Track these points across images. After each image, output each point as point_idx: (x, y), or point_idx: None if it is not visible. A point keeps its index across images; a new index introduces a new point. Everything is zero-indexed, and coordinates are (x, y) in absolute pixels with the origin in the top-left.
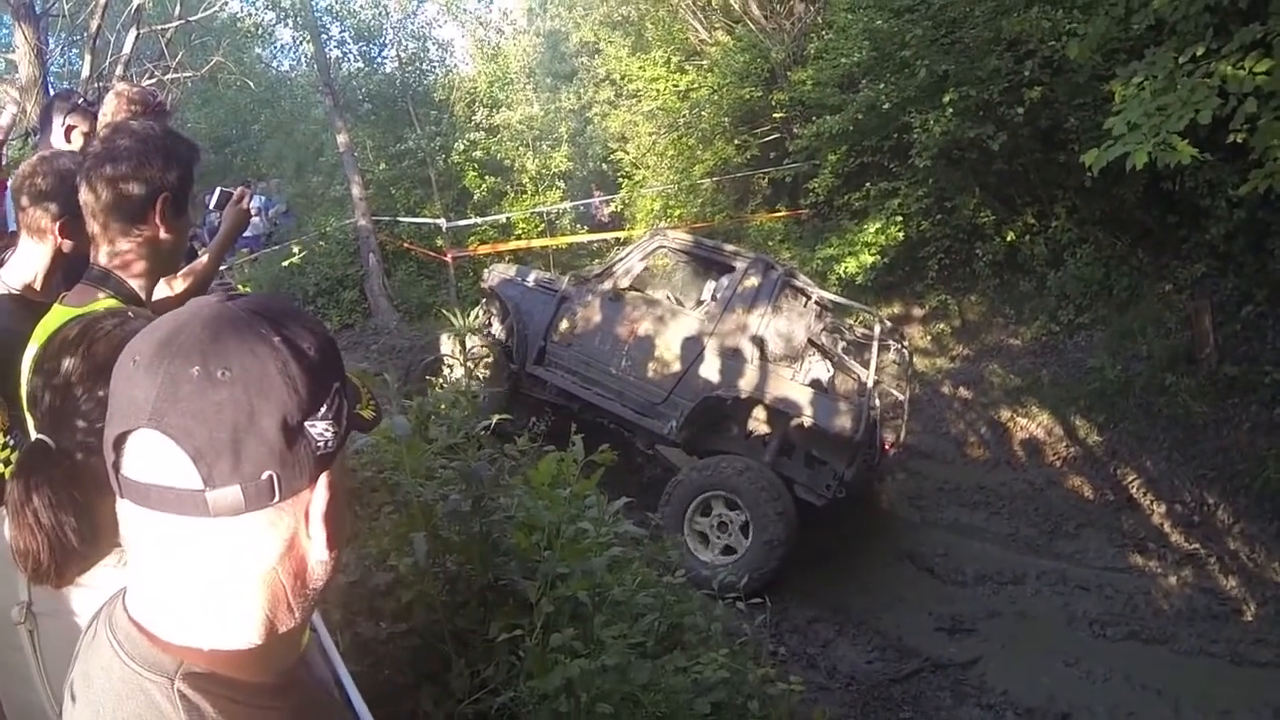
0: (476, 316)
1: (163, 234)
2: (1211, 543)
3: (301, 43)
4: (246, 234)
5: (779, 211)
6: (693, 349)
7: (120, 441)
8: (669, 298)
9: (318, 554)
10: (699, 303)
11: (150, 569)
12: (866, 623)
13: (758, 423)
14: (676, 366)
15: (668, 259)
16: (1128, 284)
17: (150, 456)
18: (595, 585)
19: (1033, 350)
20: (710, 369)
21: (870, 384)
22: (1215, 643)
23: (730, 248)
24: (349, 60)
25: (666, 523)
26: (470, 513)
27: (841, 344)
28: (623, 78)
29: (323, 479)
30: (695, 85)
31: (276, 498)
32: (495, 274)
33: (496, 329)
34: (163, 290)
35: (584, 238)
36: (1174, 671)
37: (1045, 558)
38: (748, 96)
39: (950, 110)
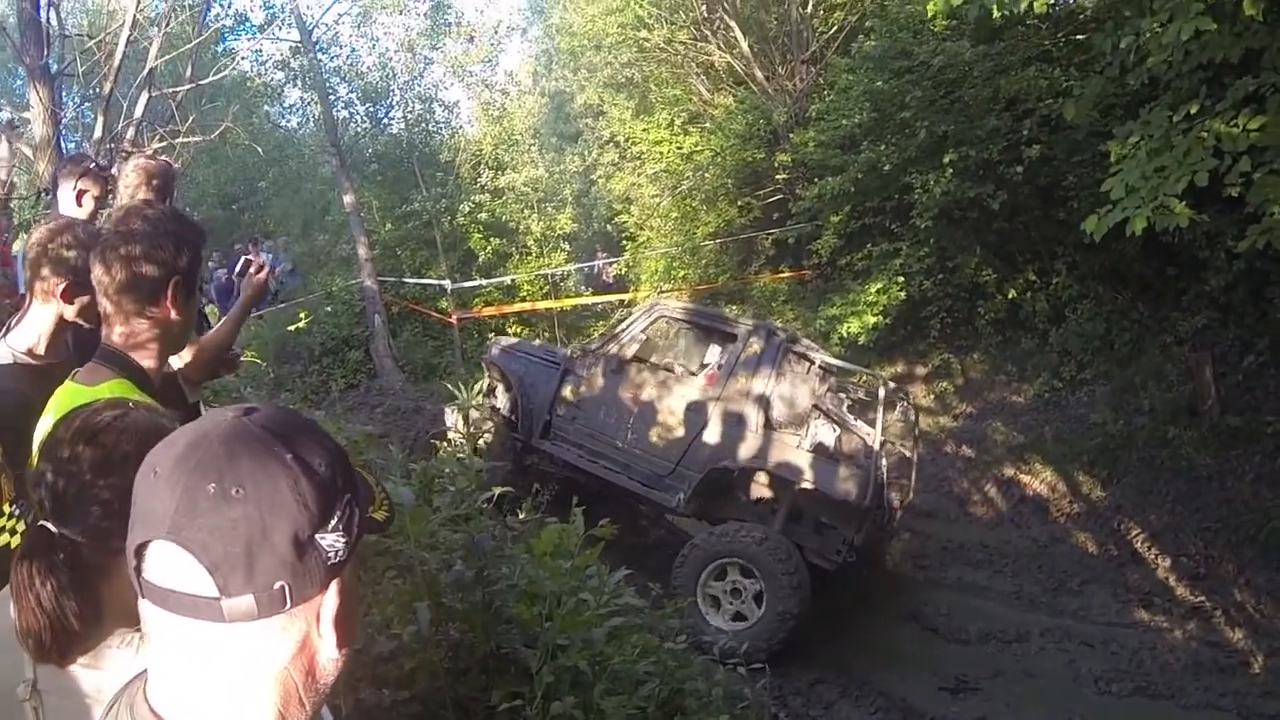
0: (480, 390)
1: (174, 316)
2: (1217, 595)
3: (310, 103)
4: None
5: (782, 272)
6: (697, 419)
7: (142, 548)
8: (672, 367)
9: (328, 653)
10: (702, 371)
11: (170, 666)
12: (870, 683)
13: (765, 490)
14: (682, 437)
15: (669, 327)
16: (1129, 338)
17: (170, 565)
18: (595, 655)
19: (1035, 407)
20: (716, 439)
21: (876, 446)
22: (1223, 696)
23: (731, 315)
24: (356, 121)
25: (680, 585)
26: (473, 582)
27: (845, 406)
28: (627, 139)
29: (334, 584)
30: (698, 147)
31: (288, 605)
32: (497, 346)
33: (500, 400)
34: (177, 361)
35: (589, 300)
36: None
37: (1049, 615)
38: (750, 158)
39: (950, 170)
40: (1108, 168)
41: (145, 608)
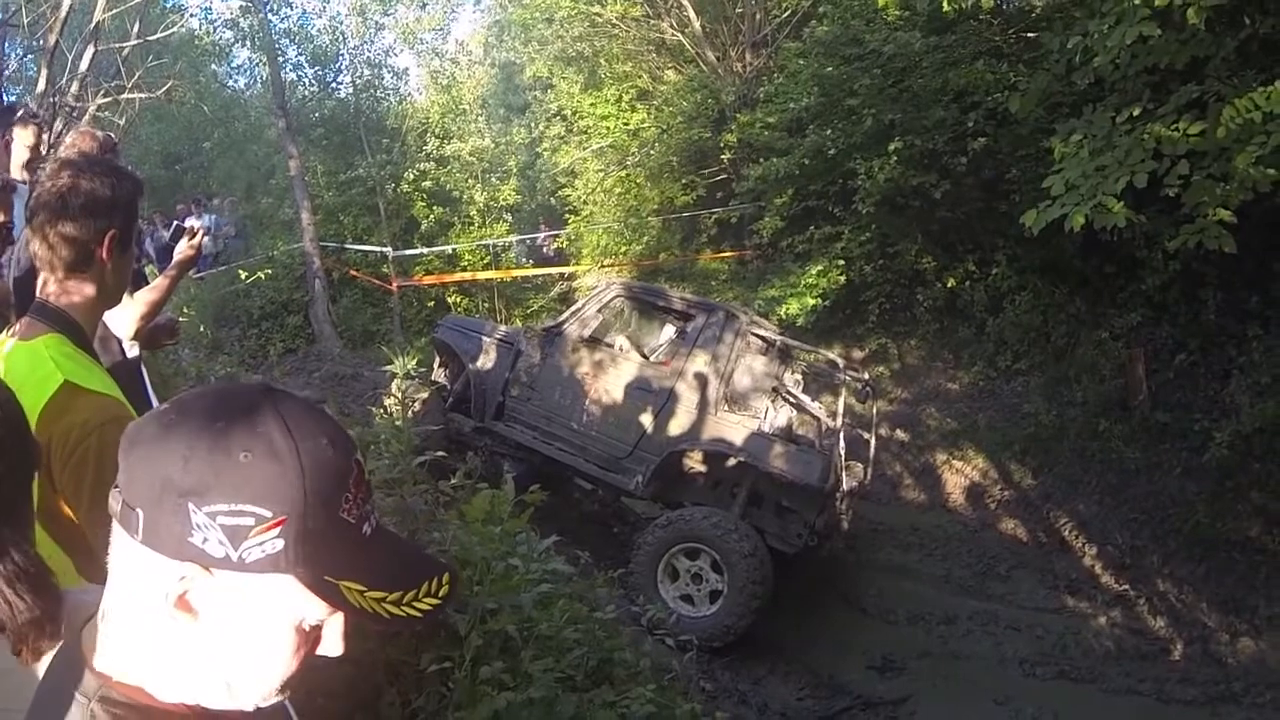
0: (416, 362)
1: (109, 269)
2: (1141, 584)
3: (258, 64)
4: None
5: (724, 252)
6: (655, 401)
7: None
8: (628, 349)
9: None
10: (659, 353)
11: (162, 631)
12: (799, 660)
13: (725, 473)
14: (639, 420)
15: (625, 307)
16: (1065, 331)
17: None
18: (524, 620)
19: (970, 395)
20: (674, 421)
21: (838, 428)
22: (1143, 681)
23: (689, 296)
24: (304, 84)
25: (639, 569)
26: None
27: (803, 389)
28: (574, 113)
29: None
30: (645, 124)
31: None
32: (447, 324)
33: (438, 375)
34: (112, 317)
35: (529, 272)
36: (1102, 710)
37: (977, 599)
38: (697, 137)
39: (895, 158)
40: (1050, 163)
41: (146, 556)
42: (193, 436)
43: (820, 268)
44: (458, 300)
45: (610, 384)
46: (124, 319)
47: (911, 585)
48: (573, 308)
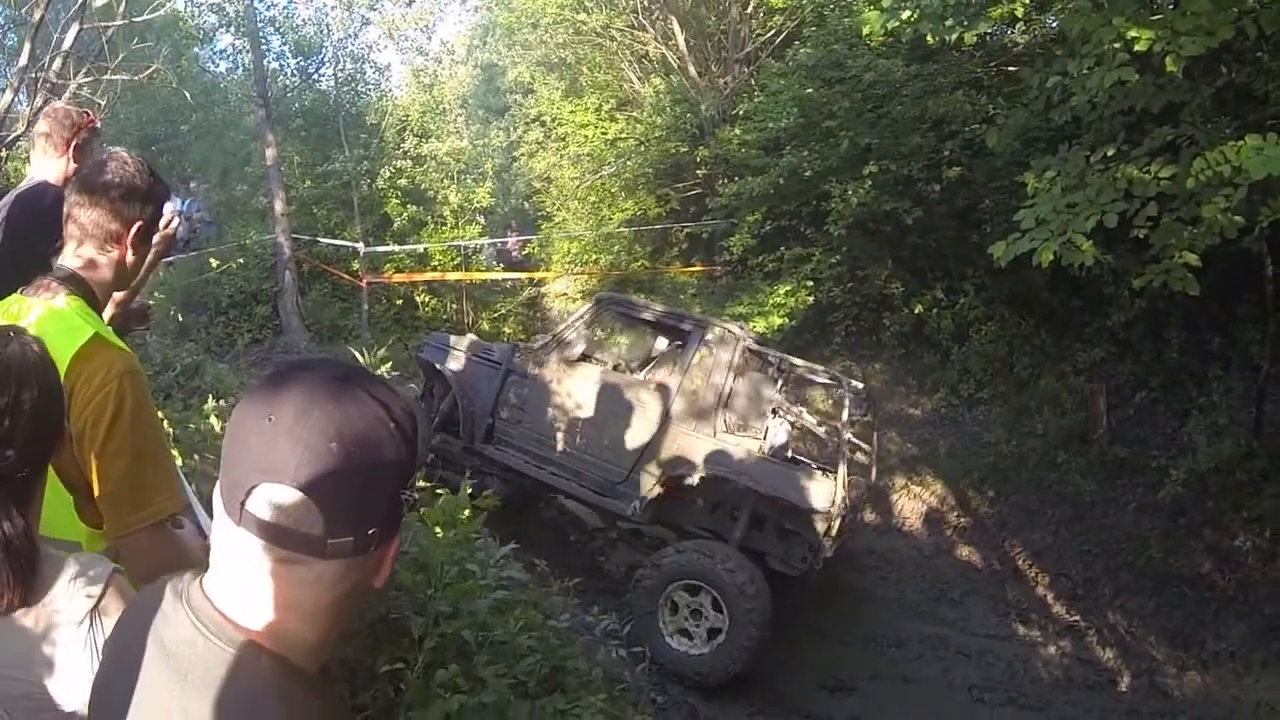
0: (381, 359)
1: (129, 257)
2: (1092, 616)
3: (241, 51)
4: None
5: (694, 266)
6: (650, 422)
7: (254, 487)
8: (622, 367)
9: (377, 584)
10: (653, 372)
11: (249, 581)
12: (749, 678)
13: (725, 496)
14: (634, 442)
15: (618, 324)
16: (1029, 363)
17: (287, 505)
18: (479, 625)
19: (931, 421)
20: (670, 443)
21: (842, 448)
22: (1090, 712)
23: (683, 312)
24: (286, 73)
25: (637, 606)
26: None
27: (803, 406)
28: (553, 120)
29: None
30: (623, 134)
31: (374, 548)
32: (431, 343)
33: (413, 387)
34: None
35: (498, 275)
36: None
37: (929, 623)
38: (674, 150)
39: (870, 182)
40: (1024, 197)
41: (233, 533)
42: (389, 442)
43: (789, 287)
44: (426, 300)
45: (604, 404)
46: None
47: (865, 607)
48: (562, 324)
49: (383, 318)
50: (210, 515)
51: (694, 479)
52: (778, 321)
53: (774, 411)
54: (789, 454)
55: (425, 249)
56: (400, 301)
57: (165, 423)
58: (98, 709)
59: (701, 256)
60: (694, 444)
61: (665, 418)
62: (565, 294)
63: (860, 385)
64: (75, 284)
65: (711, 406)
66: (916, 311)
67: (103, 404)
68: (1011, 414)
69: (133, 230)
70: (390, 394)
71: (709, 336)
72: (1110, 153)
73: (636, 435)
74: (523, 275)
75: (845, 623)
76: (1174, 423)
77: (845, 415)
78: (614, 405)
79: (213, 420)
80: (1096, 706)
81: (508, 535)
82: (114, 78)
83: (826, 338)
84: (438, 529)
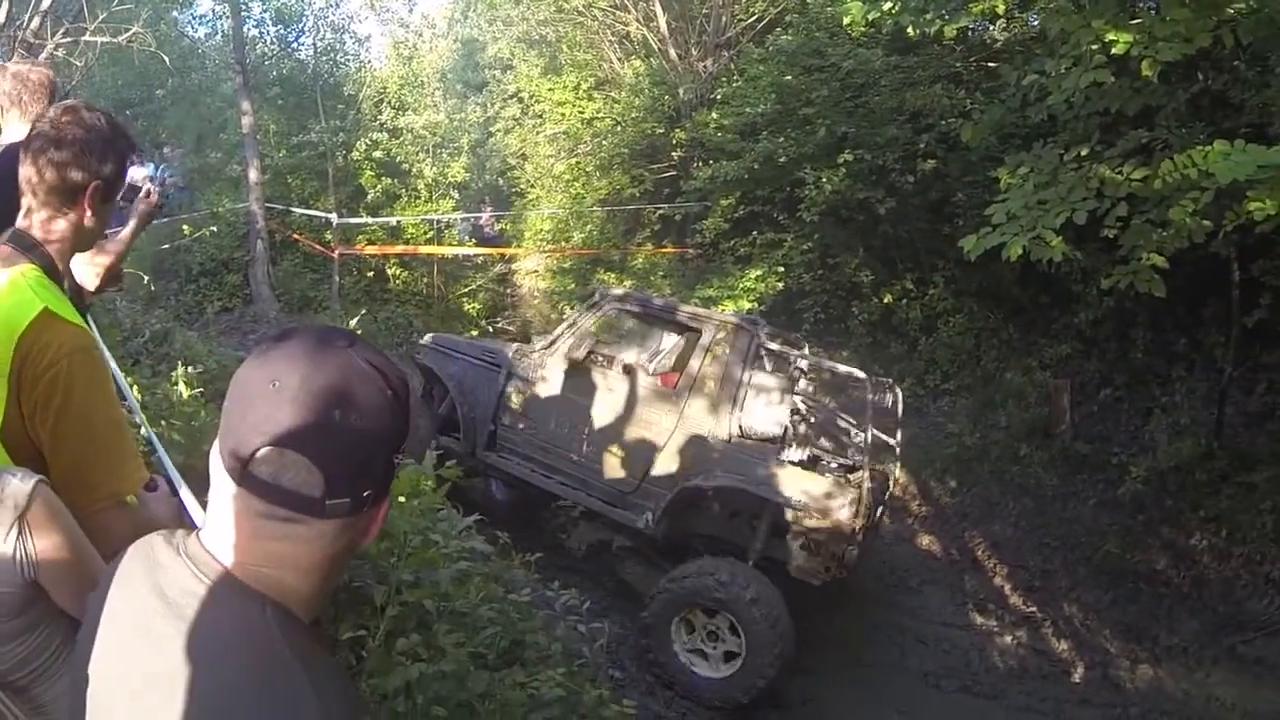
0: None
1: (88, 218)
2: (1048, 607)
3: (221, 16)
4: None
5: (666, 247)
6: (662, 428)
7: (258, 449)
8: (631, 369)
9: (367, 541)
10: (665, 373)
11: (250, 539)
12: None
13: (743, 504)
14: (645, 449)
15: (624, 322)
16: (995, 356)
17: (289, 467)
18: (440, 595)
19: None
20: (683, 451)
21: (866, 455)
22: (1044, 701)
23: (695, 308)
24: (265, 41)
25: (651, 627)
26: None
27: (824, 405)
28: (531, 97)
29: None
30: (600, 114)
31: (368, 508)
32: (429, 343)
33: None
34: (79, 264)
35: (470, 250)
36: None
37: (886, 609)
38: (650, 131)
39: (844, 170)
40: (997, 192)
41: (232, 492)
42: (388, 412)
43: (759, 272)
44: (397, 273)
45: (611, 409)
46: (91, 270)
47: (823, 591)
48: (565, 323)
49: (353, 289)
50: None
51: (709, 487)
52: (747, 306)
53: (793, 411)
54: (810, 456)
55: (398, 222)
56: (371, 274)
57: (134, 389)
58: (94, 662)
59: (674, 238)
60: (709, 449)
61: (677, 421)
62: (536, 271)
63: (887, 381)
64: (32, 250)
65: (727, 408)
66: (886, 301)
67: (52, 383)
68: (976, 406)
69: (89, 189)
70: (386, 362)
71: (722, 333)
72: (1084, 152)
73: (647, 441)
74: (494, 251)
75: (803, 606)
76: (1136, 421)
77: (870, 413)
78: (622, 409)
79: (181, 387)
80: (1050, 696)
81: (470, 510)
82: (92, 39)
83: (795, 324)
84: (401, 498)
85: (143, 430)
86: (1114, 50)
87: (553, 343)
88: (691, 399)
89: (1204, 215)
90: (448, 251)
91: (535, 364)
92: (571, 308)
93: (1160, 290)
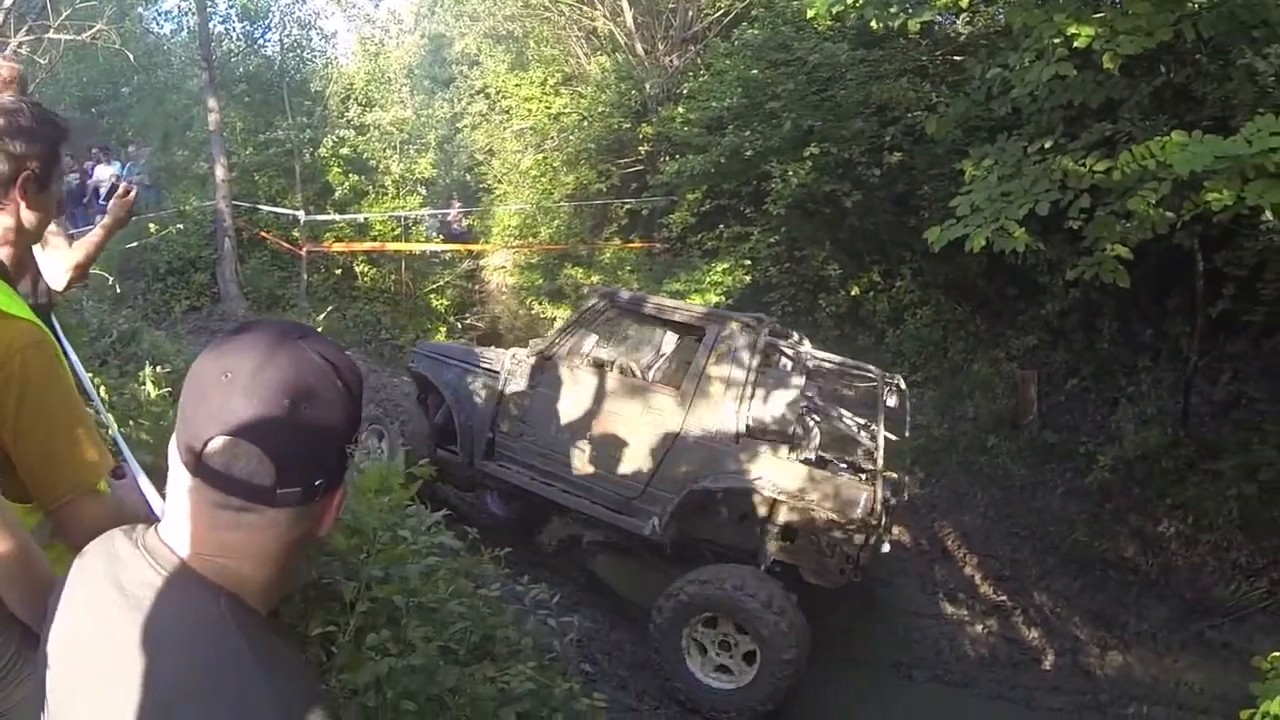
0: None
1: (24, 210)
2: (1018, 596)
3: (187, 12)
4: (102, 200)
5: (633, 242)
6: (667, 431)
7: (211, 438)
8: (632, 370)
9: (322, 532)
10: (667, 375)
11: (205, 530)
12: None
13: (753, 507)
14: (650, 453)
15: (624, 322)
16: (962, 348)
17: (240, 456)
18: (409, 591)
19: (864, 402)
20: (690, 454)
21: (879, 453)
22: (1014, 689)
23: (696, 307)
24: (231, 37)
25: (660, 639)
26: None
27: (833, 402)
28: (498, 92)
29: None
30: (567, 109)
31: (319, 497)
32: (423, 351)
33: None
34: (45, 261)
35: (438, 246)
36: (973, 714)
37: (856, 599)
38: (617, 126)
39: (810, 163)
40: (962, 184)
41: (187, 482)
42: (340, 403)
43: (726, 266)
44: (365, 270)
45: (614, 413)
46: (60, 266)
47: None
48: (560, 325)
49: (321, 287)
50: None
51: (719, 489)
52: (714, 299)
53: (802, 411)
54: (819, 456)
55: (366, 219)
56: (339, 271)
57: (101, 389)
58: (54, 657)
59: (641, 233)
60: (715, 451)
61: (681, 425)
62: (504, 267)
63: (897, 378)
64: None
65: (732, 409)
66: (853, 294)
67: (5, 382)
68: (944, 397)
69: (20, 181)
70: (338, 353)
71: (726, 331)
72: (1048, 145)
73: (651, 445)
74: (461, 248)
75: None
76: (1103, 411)
77: (881, 412)
78: (624, 412)
79: (148, 387)
80: (1021, 684)
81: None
82: (56, 36)
83: None
84: (369, 494)
85: (110, 431)
86: (1076, 44)
87: (551, 346)
88: (697, 399)
89: (1165, 206)
90: (415, 248)
91: (533, 368)
92: (539, 303)
93: (1125, 281)
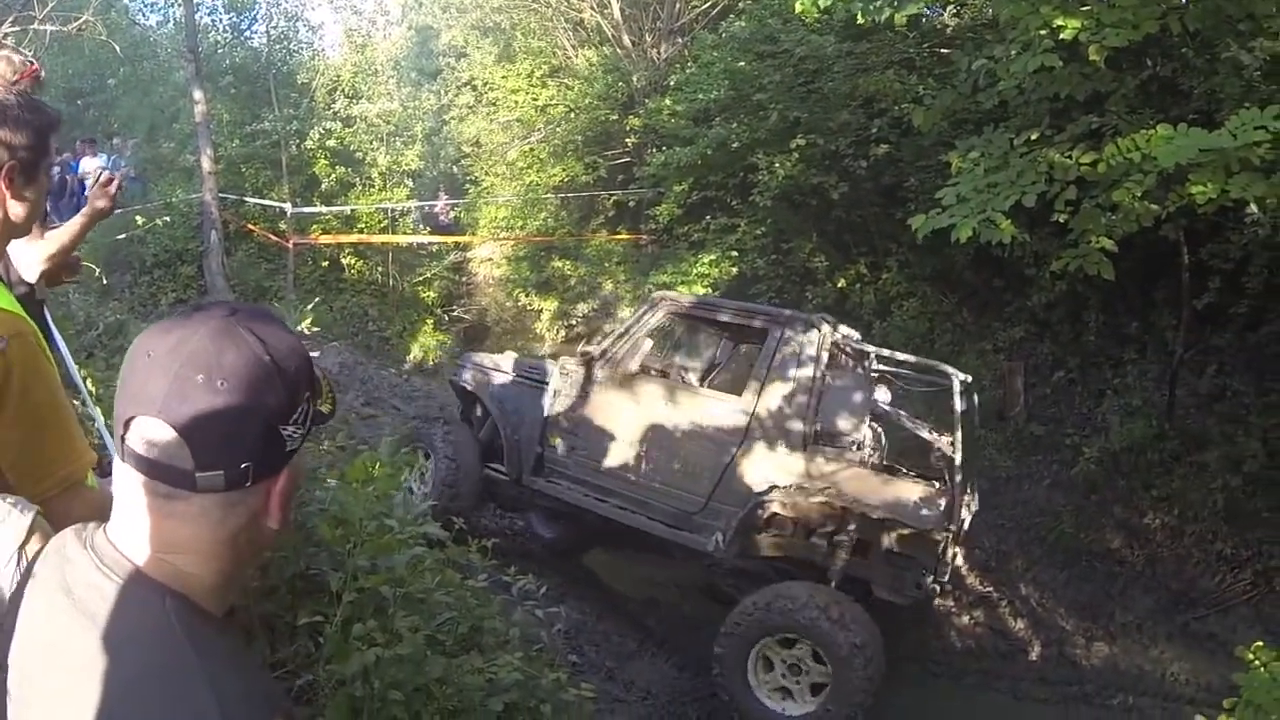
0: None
1: (10, 201)
2: (1004, 588)
3: (173, 4)
4: (87, 193)
5: (620, 234)
6: (729, 440)
7: (130, 420)
8: (689, 379)
9: (271, 525)
10: (728, 380)
11: (140, 521)
12: (668, 641)
13: (822, 521)
14: (711, 464)
15: (681, 326)
16: (949, 340)
17: (156, 438)
18: (396, 581)
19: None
20: (754, 464)
21: (956, 458)
22: (1001, 680)
23: (757, 307)
24: (218, 29)
25: (724, 664)
26: None
27: (904, 405)
28: (485, 84)
29: (286, 469)
30: (554, 101)
31: (249, 483)
32: (467, 364)
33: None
34: (20, 247)
35: (425, 239)
36: (960, 706)
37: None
38: (604, 118)
39: (797, 155)
40: (949, 177)
41: (123, 470)
42: (262, 375)
43: (713, 257)
44: (352, 262)
45: (670, 424)
46: (32, 257)
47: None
48: (614, 332)
49: (308, 279)
50: None
51: (785, 503)
52: (701, 291)
53: (872, 416)
54: (896, 467)
55: (352, 211)
56: (326, 263)
57: (88, 381)
58: (12, 664)
59: (628, 225)
60: (782, 461)
61: (745, 434)
62: (491, 259)
63: (968, 379)
64: None
65: (799, 415)
66: (840, 285)
67: None
68: (931, 389)
69: (6, 171)
70: (276, 333)
71: (789, 333)
72: (1034, 136)
73: (713, 456)
74: (449, 239)
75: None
76: (1089, 403)
77: (957, 414)
78: (683, 423)
79: None
80: (1007, 675)
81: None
82: (42, 27)
83: None
84: (356, 484)
85: (97, 424)
86: (1062, 36)
87: (603, 354)
88: (760, 406)
89: (1150, 199)
90: (402, 240)
91: (584, 378)
92: (527, 295)
93: (1109, 273)
